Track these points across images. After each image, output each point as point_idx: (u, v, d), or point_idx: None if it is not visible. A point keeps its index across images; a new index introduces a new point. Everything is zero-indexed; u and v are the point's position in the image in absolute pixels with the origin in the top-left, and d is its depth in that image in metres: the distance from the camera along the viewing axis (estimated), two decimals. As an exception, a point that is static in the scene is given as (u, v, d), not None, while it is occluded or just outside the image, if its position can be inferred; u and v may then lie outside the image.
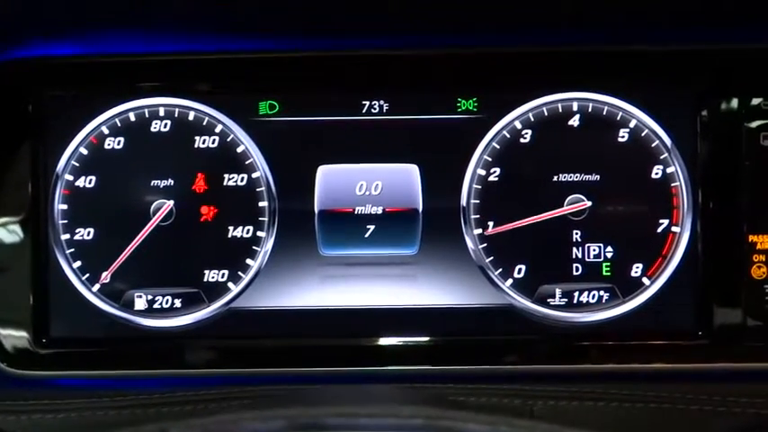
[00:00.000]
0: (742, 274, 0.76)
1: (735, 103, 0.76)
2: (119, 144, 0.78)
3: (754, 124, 0.76)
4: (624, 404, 0.71)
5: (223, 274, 0.78)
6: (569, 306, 0.77)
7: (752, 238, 0.75)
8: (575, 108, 0.78)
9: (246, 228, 0.78)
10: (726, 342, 0.76)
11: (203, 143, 0.78)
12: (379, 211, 0.78)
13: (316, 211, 0.77)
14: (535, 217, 0.77)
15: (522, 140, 0.78)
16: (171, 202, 0.77)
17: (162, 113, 0.78)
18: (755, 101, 0.75)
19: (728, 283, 0.76)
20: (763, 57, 0.75)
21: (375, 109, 0.78)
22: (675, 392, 0.72)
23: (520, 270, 0.77)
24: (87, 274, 0.77)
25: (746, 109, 0.76)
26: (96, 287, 0.77)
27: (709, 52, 0.76)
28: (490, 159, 0.78)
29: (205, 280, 0.77)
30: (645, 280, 0.77)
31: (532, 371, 0.75)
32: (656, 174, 0.77)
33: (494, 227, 0.77)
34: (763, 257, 0.75)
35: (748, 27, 0.74)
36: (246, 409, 0.60)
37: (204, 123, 0.78)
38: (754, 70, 0.76)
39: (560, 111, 0.78)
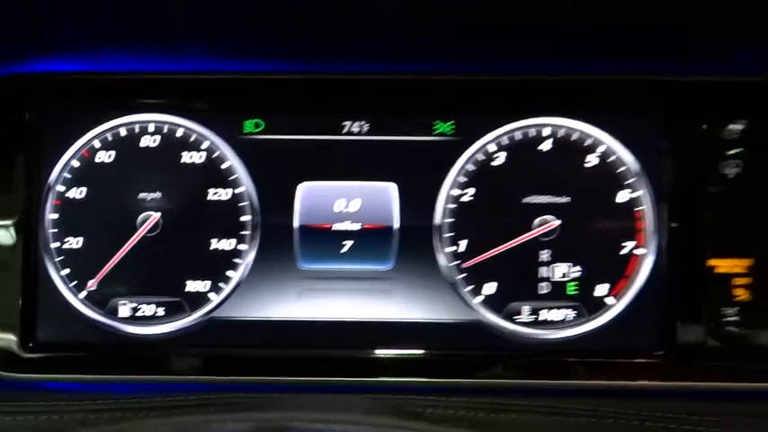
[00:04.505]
0: (702, 297, 0.79)
1: (697, 131, 0.79)
2: (109, 157, 0.82)
3: (715, 152, 0.79)
4: (584, 419, 0.74)
5: (205, 285, 0.81)
6: (536, 323, 0.80)
7: (712, 261, 0.79)
8: (546, 133, 0.81)
9: (229, 241, 0.81)
10: (686, 361, 0.79)
11: (190, 158, 0.81)
12: (357, 228, 0.81)
13: (296, 226, 0.81)
14: (508, 243, 0.80)
15: (495, 163, 0.81)
16: (158, 215, 0.81)
17: (152, 129, 0.82)
18: (716, 130, 0.79)
19: (689, 305, 0.79)
20: (720, 88, 0.79)
21: (355, 129, 0.82)
22: (636, 409, 0.75)
23: (490, 288, 0.80)
24: (75, 282, 0.81)
25: (708, 137, 0.79)
26: (83, 294, 0.80)
27: (673, 83, 0.79)
28: (464, 180, 0.81)
29: (187, 290, 0.80)
30: (609, 299, 0.80)
31: (498, 385, 0.78)
32: (623, 198, 0.81)
33: (467, 247, 0.80)
34: (722, 281, 0.79)
35: (706, 60, 0.77)
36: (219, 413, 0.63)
37: (192, 140, 0.81)
38: (715, 100, 0.79)
39: (532, 135, 0.81)
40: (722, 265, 0.79)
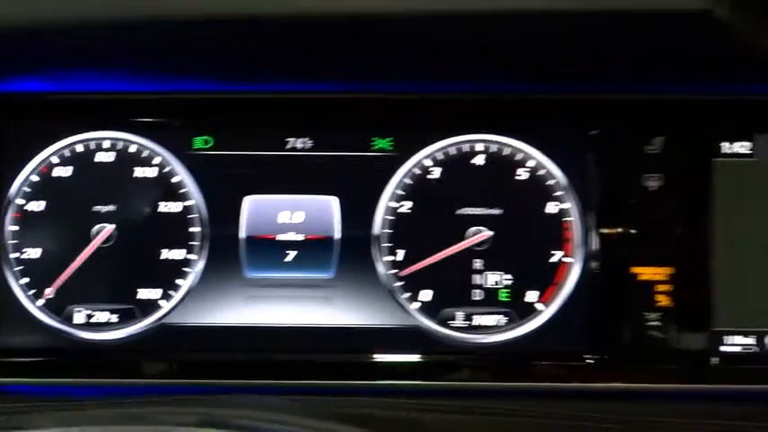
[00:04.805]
0: (626, 303, 0.83)
1: (620, 147, 0.84)
2: (66, 172, 0.86)
3: (637, 166, 0.84)
4: (514, 419, 0.78)
5: (156, 293, 0.85)
6: (470, 328, 0.85)
7: (635, 269, 0.83)
8: (479, 148, 0.86)
9: (179, 251, 0.85)
10: (611, 364, 0.83)
11: (143, 173, 0.86)
12: (300, 238, 0.85)
13: (242, 237, 0.85)
14: (443, 252, 0.84)
15: (431, 176, 0.86)
16: (112, 226, 0.85)
17: (106, 145, 0.87)
18: (637, 146, 0.84)
19: (614, 311, 0.84)
20: (640, 105, 0.84)
21: (298, 146, 0.86)
22: (564, 409, 0.79)
23: (426, 294, 0.85)
24: (33, 290, 0.85)
25: (630, 152, 0.84)
26: (40, 302, 0.85)
27: (597, 100, 0.84)
28: (402, 193, 0.86)
29: (139, 297, 0.85)
30: (539, 305, 0.85)
31: (431, 387, 0.82)
32: (552, 209, 0.85)
33: (404, 256, 0.85)
34: (645, 288, 0.83)
35: (626, 79, 0.82)
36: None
37: (144, 155, 0.86)
38: (635, 118, 0.84)
39: (466, 150, 0.86)
40: (644, 273, 0.83)
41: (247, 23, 0.76)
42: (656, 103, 0.84)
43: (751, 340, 0.84)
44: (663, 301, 0.83)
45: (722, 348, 0.83)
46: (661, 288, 0.83)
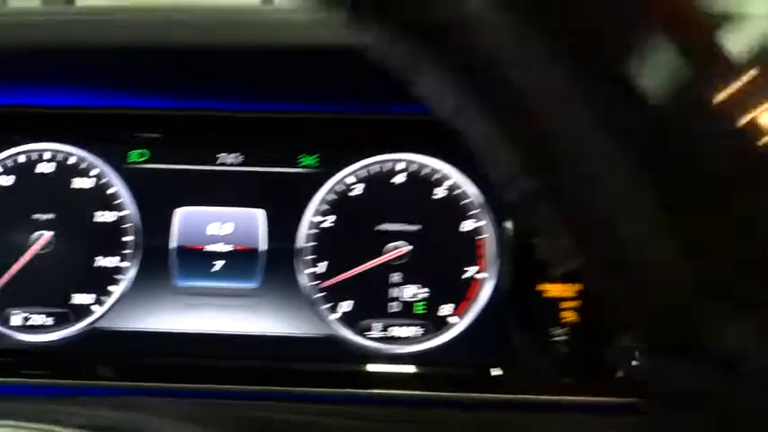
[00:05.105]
0: (534, 318, 0.87)
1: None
2: (8, 181, 0.91)
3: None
4: (420, 426, 0.83)
5: (90, 298, 0.89)
6: (386, 339, 0.89)
7: (542, 286, 0.87)
8: (401, 167, 0.90)
9: (112, 258, 0.90)
10: (520, 377, 0.87)
11: (81, 184, 0.91)
12: (228, 249, 0.90)
13: (172, 246, 0.90)
14: (364, 265, 0.89)
15: (353, 193, 0.90)
16: (50, 234, 0.90)
17: (47, 157, 0.91)
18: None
19: (524, 326, 0.88)
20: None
21: (228, 161, 0.91)
22: (472, 419, 0.83)
23: (346, 306, 0.89)
24: (-28, 293, 0.90)
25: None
26: (-22, 304, 0.90)
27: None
28: (326, 208, 0.90)
29: (72, 302, 0.89)
30: (453, 318, 0.89)
31: (345, 393, 0.86)
32: (467, 227, 0.89)
33: (326, 268, 0.89)
34: (552, 304, 0.87)
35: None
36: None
37: (82, 167, 0.91)
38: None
39: (388, 169, 0.90)
40: (552, 290, 0.87)
41: (178, 50, 0.81)
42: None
43: (656, 356, 0.87)
44: (569, 316, 0.87)
45: (628, 363, 0.87)
46: (567, 305, 0.87)
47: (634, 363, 0.87)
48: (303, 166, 0.91)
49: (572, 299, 0.87)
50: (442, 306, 0.89)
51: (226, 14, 0.82)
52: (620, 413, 0.86)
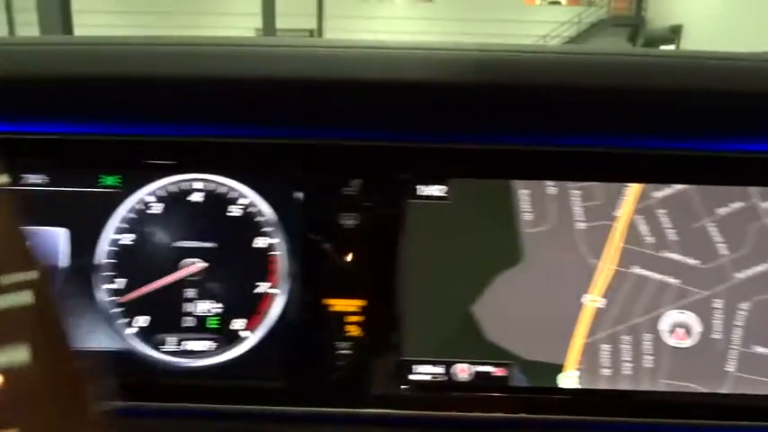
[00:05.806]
0: (319, 333, 0.90)
1: (322, 187, 0.91)
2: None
3: (336, 206, 0.91)
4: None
5: None
6: (181, 353, 0.92)
7: (328, 301, 0.90)
8: (198, 186, 0.93)
9: None
10: (308, 389, 0.90)
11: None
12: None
13: None
14: (158, 282, 0.92)
15: (151, 211, 0.93)
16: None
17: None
18: (336, 187, 0.91)
19: (311, 339, 0.91)
20: (337, 150, 0.91)
21: (37, 181, 0.94)
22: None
23: (142, 321, 0.92)
24: None
25: (330, 193, 0.91)
26: None
27: (302, 145, 0.91)
28: (126, 226, 0.93)
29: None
30: (245, 333, 0.92)
31: (141, 407, 0.89)
32: (261, 244, 0.92)
33: (124, 285, 0.92)
34: (337, 318, 0.90)
35: (332, 125, 0.90)
36: None
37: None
38: (335, 161, 0.91)
39: (185, 188, 0.93)
40: (337, 305, 0.90)
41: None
42: (354, 148, 0.91)
43: (440, 369, 0.90)
44: (353, 331, 0.90)
45: (411, 377, 0.90)
46: (351, 319, 0.90)
47: (411, 377, 0.90)
48: (104, 186, 0.94)
49: (356, 313, 0.90)
50: (235, 320, 0.92)
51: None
52: (406, 426, 0.89)
